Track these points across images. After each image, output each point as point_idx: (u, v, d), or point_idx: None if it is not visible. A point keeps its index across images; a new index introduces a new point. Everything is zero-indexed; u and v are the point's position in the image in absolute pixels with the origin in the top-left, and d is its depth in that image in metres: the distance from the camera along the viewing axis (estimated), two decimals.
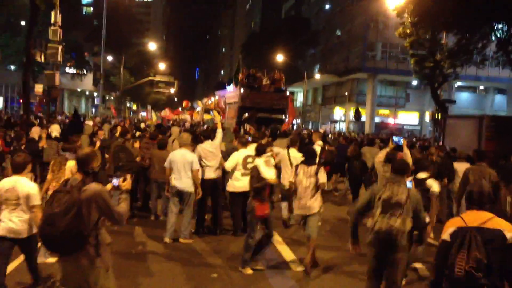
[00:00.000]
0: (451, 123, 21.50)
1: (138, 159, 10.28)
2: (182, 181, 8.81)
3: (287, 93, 26.12)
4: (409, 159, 8.61)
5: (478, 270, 3.87)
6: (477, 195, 4.26)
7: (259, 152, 7.74)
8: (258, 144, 8.44)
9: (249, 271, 7.25)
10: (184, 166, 8.78)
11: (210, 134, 10.24)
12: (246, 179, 9.09)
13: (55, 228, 3.96)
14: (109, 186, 4.78)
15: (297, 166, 7.74)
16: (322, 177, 7.47)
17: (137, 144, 11.11)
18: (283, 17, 68.66)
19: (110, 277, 4.40)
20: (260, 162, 7.38)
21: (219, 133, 9.84)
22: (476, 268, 3.88)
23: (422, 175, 7.26)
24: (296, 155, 10.51)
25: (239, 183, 9.21)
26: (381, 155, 8.89)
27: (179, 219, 9.01)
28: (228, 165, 9.27)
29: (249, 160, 9.09)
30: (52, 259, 6.76)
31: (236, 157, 9.28)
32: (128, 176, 4.88)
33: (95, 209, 4.12)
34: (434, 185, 7.01)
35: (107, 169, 9.73)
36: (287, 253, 8.47)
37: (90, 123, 20.99)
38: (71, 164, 7.28)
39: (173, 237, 8.86)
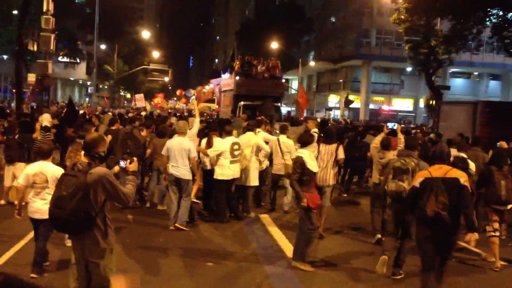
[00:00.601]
0: (446, 109, 21.52)
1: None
2: (179, 169, 8.81)
3: (283, 80, 26.05)
4: (402, 143, 8.62)
5: (444, 210, 5.36)
6: (439, 153, 5.86)
7: (304, 143, 7.49)
8: (301, 135, 8.38)
9: (309, 268, 7.01)
10: (181, 154, 8.77)
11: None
12: (235, 167, 9.40)
13: (63, 210, 4.12)
14: (116, 168, 5.08)
15: (319, 144, 8.69)
16: (341, 153, 8.71)
17: (144, 133, 11.21)
18: (277, 4, 68.22)
19: (113, 258, 4.54)
20: (305, 153, 7.18)
21: (196, 123, 9.90)
22: (442, 209, 5.37)
23: None
24: (287, 141, 10.58)
25: (228, 171, 9.35)
26: (376, 141, 8.90)
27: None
28: (212, 153, 9.37)
29: (236, 147, 9.38)
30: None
31: (222, 145, 9.38)
32: (135, 159, 5.05)
33: (101, 191, 4.29)
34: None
35: (115, 156, 9.75)
36: (282, 240, 8.49)
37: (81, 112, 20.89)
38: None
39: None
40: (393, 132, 9.71)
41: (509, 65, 41.64)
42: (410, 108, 52.31)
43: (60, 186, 4.29)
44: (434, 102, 26.86)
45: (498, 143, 11.87)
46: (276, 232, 8.98)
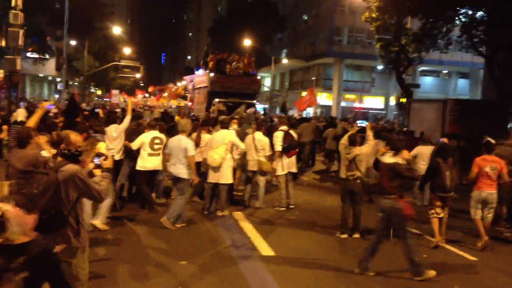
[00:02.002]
0: (416, 107, 21.87)
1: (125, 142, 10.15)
2: (176, 166, 8.87)
3: (259, 77, 25.95)
4: (371, 141, 9.08)
5: None
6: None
7: (395, 148, 7.17)
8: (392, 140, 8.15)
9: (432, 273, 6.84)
10: (179, 152, 8.85)
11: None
12: (153, 159, 9.75)
13: (36, 209, 3.96)
14: (91, 165, 5.04)
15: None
16: None
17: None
18: (250, 1, 68.18)
19: (85, 257, 4.50)
20: (390, 159, 7.02)
21: (127, 119, 10.17)
22: None
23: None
24: (262, 138, 10.64)
25: (148, 163, 9.73)
26: (345, 138, 9.09)
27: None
28: (134, 145, 9.68)
29: (157, 141, 9.76)
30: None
31: (142, 138, 9.77)
32: (110, 155, 5.16)
33: (73, 188, 4.23)
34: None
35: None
36: (255, 237, 8.50)
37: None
38: (102, 146, 7.49)
39: (183, 222, 8.96)
40: (362, 130, 9.88)
41: (477, 64, 42.31)
42: (381, 106, 52.91)
43: (32, 184, 4.22)
44: (405, 100, 27.22)
45: (441, 139, 12.76)
46: (249, 229, 8.99)
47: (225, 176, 9.87)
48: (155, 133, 9.88)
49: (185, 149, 8.82)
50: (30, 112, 18.00)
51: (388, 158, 7.06)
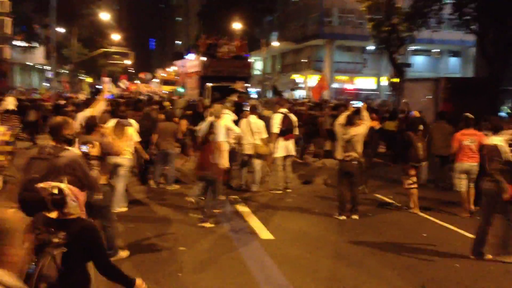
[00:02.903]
0: (409, 87, 21.85)
1: None
2: None
3: (250, 60, 25.73)
4: (367, 121, 9.11)
5: None
6: None
7: (496, 129, 7.03)
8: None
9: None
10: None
11: None
12: None
13: (36, 193, 3.86)
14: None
15: None
16: None
17: (162, 116, 11.57)
18: None
19: None
20: (498, 140, 6.75)
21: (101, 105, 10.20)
22: None
23: None
24: (257, 122, 10.60)
25: None
26: (341, 118, 9.10)
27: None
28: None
29: None
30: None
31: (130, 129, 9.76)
32: (97, 143, 5.34)
33: (70, 174, 4.15)
34: None
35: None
36: (253, 220, 8.50)
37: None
38: (130, 131, 8.73)
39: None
40: (357, 110, 9.90)
41: (467, 42, 42.20)
42: (373, 87, 52.77)
43: (29, 170, 4.28)
44: (397, 80, 27.17)
45: (412, 112, 13.84)
46: (247, 213, 8.99)
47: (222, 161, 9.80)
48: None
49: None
50: (20, 101, 17.85)
51: (493, 139, 6.87)
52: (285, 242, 7.42)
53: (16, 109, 12.33)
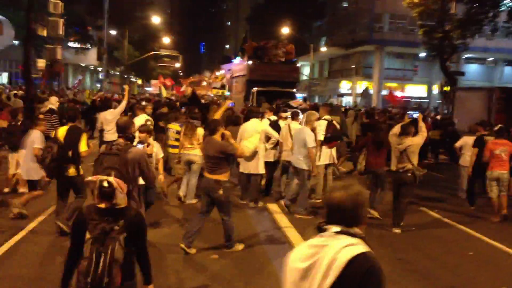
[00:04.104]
0: (461, 96, 21.10)
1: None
2: (296, 157, 9.27)
3: (298, 65, 25.30)
4: (424, 132, 8.75)
5: None
6: None
7: None
8: None
9: None
10: (300, 142, 9.18)
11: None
12: None
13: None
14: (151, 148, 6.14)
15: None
16: None
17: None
18: None
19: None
20: None
21: (123, 104, 11.84)
22: None
23: None
24: (298, 128, 10.32)
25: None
26: (396, 128, 8.94)
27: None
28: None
29: (148, 123, 9.63)
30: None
31: (136, 122, 9.69)
32: (152, 142, 6.44)
33: (137, 168, 4.99)
34: None
35: None
36: (290, 231, 8.22)
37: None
38: (200, 131, 9.51)
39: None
40: (414, 121, 9.57)
41: None
42: (424, 94, 51.54)
43: (100, 165, 4.74)
44: (448, 88, 26.32)
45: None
46: (284, 222, 8.72)
47: (257, 166, 9.68)
48: (146, 116, 10.72)
49: (304, 140, 9.00)
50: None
51: None
52: None
53: (56, 109, 12.42)
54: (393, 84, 50.19)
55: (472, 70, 48.81)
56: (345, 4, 55.77)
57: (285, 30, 48.17)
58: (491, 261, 7.24)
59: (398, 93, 48.67)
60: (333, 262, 2.20)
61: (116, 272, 3.25)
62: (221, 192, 6.70)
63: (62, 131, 7.29)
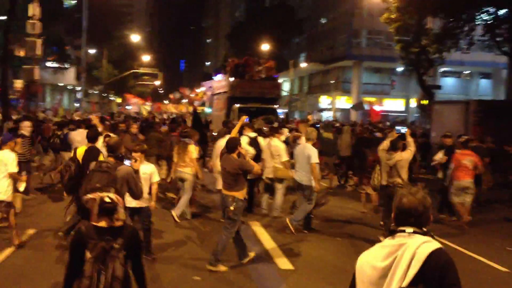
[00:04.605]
0: (438, 109, 21.36)
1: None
2: (300, 173, 9.29)
3: (280, 81, 25.36)
4: (412, 147, 8.91)
5: None
6: None
7: None
8: None
9: None
10: (303, 159, 9.23)
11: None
12: None
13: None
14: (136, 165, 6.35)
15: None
16: None
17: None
18: (267, 6, 68.06)
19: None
20: None
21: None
22: None
23: None
24: (278, 144, 10.34)
25: None
26: (385, 144, 9.07)
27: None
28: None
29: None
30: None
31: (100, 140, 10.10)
32: (138, 157, 6.72)
33: (125, 185, 5.24)
34: None
35: None
36: (273, 249, 8.17)
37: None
38: (191, 148, 9.72)
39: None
40: (402, 136, 9.70)
41: (499, 64, 41.53)
42: (402, 108, 52.14)
43: (90, 181, 4.98)
44: (426, 102, 26.67)
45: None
46: (267, 240, 8.68)
47: None
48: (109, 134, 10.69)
49: (309, 157, 9.04)
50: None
51: None
52: (305, 272, 7.10)
53: (29, 134, 11.95)
54: (371, 99, 50.77)
55: (449, 84, 49.55)
56: (323, 21, 56.43)
57: (265, 47, 48.49)
58: (473, 275, 7.28)
59: (377, 108, 49.42)
60: (415, 256, 2.47)
61: None
62: (232, 208, 6.94)
63: (81, 151, 7.41)
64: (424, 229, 2.62)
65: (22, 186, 8.15)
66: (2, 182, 7.43)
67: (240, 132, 10.19)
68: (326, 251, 8.24)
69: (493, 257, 8.14)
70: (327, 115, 52.48)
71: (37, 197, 11.39)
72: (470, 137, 13.06)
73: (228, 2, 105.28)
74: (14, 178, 7.64)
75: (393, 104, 51.54)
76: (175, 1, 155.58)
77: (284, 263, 7.40)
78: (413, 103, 46.73)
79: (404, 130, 12.98)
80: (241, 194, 7.06)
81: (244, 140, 10.27)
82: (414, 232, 2.59)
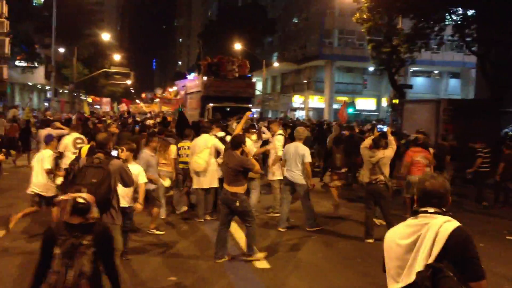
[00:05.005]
0: (409, 108, 21.65)
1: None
2: (292, 172, 9.30)
3: (253, 80, 25.29)
4: (394, 145, 9.11)
5: None
6: None
7: None
8: None
9: None
10: (296, 158, 9.24)
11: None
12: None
13: (96, 195, 4.48)
14: (122, 155, 6.48)
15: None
16: None
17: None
18: (240, 5, 68.07)
19: (119, 232, 5.85)
20: None
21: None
22: None
23: None
24: (248, 144, 10.36)
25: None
26: (367, 141, 9.24)
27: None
28: (60, 148, 10.04)
29: (79, 141, 10.38)
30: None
31: (66, 140, 10.38)
32: (124, 148, 7.05)
33: (118, 178, 5.52)
34: None
35: None
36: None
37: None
38: (173, 148, 10.11)
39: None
40: (383, 134, 9.81)
41: (468, 63, 42.36)
42: (374, 107, 52.79)
43: (84, 176, 5.10)
44: (397, 101, 27.00)
45: (342, 131, 15.74)
46: (242, 238, 8.65)
47: (210, 181, 9.78)
48: (76, 134, 10.67)
49: (303, 156, 9.16)
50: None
51: None
52: (282, 270, 7.09)
53: (3, 133, 11.94)
54: (344, 98, 51.20)
55: (419, 83, 50.38)
56: (295, 20, 56.69)
57: (238, 46, 48.46)
58: None
59: (345, 110, 49.81)
60: (438, 234, 2.75)
61: (83, 285, 3.43)
62: (238, 204, 7.23)
63: (85, 149, 7.62)
64: (444, 210, 2.89)
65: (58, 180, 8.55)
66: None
67: (203, 131, 10.26)
68: (302, 249, 8.26)
69: None
70: (300, 114, 52.78)
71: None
72: (445, 133, 14.07)
73: (200, 1, 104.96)
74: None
75: (365, 103, 52.12)
76: (146, 0, 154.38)
77: (260, 262, 7.38)
78: (384, 102, 47.33)
79: (385, 128, 13.27)
80: (242, 189, 7.35)
81: (281, 139, 10.52)
82: (435, 213, 2.86)
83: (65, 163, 9.68)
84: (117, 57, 66.23)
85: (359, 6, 26.01)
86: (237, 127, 8.60)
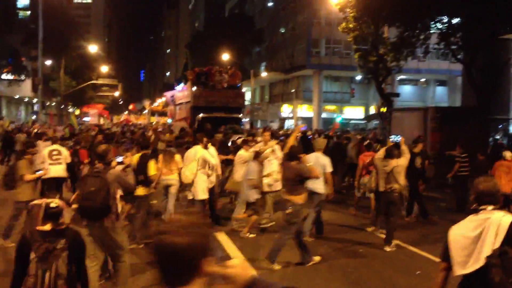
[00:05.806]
0: (397, 116, 21.78)
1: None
2: (313, 181, 9.00)
3: (243, 90, 25.20)
4: (407, 153, 9.33)
5: None
6: None
7: None
8: None
9: None
10: (317, 168, 9.04)
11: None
12: (55, 167, 10.98)
13: (95, 202, 5.55)
14: (114, 163, 6.57)
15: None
16: None
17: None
18: (227, 15, 68.27)
19: (123, 233, 6.34)
20: None
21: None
22: None
23: None
24: (244, 156, 10.47)
25: (51, 171, 10.89)
26: (381, 152, 9.52)
27: None
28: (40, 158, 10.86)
29: (55, 152, 11.13)
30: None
31: (44, 151, 11.23)
32: (128, 154, 7.88)
33: (117, 186, 5.96)
34: None
35: None
36: (237, 256, 8.12)
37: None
38: (178, 157, 10.26)
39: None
40: (396, 145, 9.96)
41: (454, 71, 42.74)
42: (362, 116, 53.03)
43: (85, 185, 5.70)
44: (385, 109, 27.14)
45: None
46: (234, 251, 8.61)
47: (198, 192, 9.71)
48: (54, 146, 11.44)
49: (324, 165, 9.17)
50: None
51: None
52: (268, 278, 7.04)
53: None
54: (332, 107, 51.50)
55: (406, 91, 50.69)
56: (282, 30, 56.94)
57: (225, 56, 48.56)
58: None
59: (336, 115, 50.16)
60: (500, 226, 3.32)
61: (61, 286, 3.66)
62: (288, 211, 7.50)
63: (135, 158, 8.52)
64: (498, 206, 3.47)
65: None
66: None
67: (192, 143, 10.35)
68: (290, 257, 8.22)
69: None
70: (289, 124, 52.87)
71: None
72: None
73: (188, 12, 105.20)
74: None
75: (353, 112, 52.38)
76: (133, 12, 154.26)
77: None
78: (372, 110, 47.55)
79: (398, 139, 13.38)
80: (300, 198, 7.58)
81: (211, 150, 10.41)
82: (493, 209, 3.43)
83: (50, 172, 10.69)
84: (104, 68, 66.04)
85: (345, 16, 26.18)
86: (289, 139, 8.94)
